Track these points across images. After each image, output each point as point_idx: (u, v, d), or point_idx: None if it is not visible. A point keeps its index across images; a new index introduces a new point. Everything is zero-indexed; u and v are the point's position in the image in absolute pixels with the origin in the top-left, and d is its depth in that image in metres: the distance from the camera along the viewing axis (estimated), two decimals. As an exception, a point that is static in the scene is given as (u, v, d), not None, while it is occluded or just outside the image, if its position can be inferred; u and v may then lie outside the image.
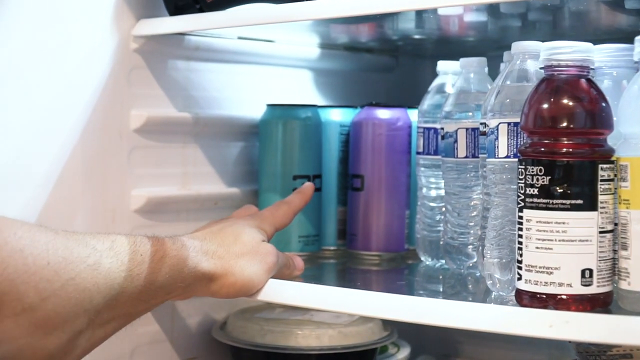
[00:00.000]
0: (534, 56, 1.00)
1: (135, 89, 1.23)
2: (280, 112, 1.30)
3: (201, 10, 1.18)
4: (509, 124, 1.00)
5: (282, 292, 1.05)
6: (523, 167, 0.91)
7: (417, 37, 1.38)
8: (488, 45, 1.42)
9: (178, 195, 1.28)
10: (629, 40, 0.95)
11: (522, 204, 0.91)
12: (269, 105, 1.31)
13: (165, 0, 1.20)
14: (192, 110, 1.30)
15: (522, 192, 0.91)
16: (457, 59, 1.19)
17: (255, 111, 1.33)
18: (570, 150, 0.88)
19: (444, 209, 1.19)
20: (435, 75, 1.26)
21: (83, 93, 1.18)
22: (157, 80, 1.26)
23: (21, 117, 1.11)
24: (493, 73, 1.14)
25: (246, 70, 1.36)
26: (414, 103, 1.31)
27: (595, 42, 1.04)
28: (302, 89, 1.46)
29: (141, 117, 1.23)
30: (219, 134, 1.33)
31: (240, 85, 1.36)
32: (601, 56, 0.98)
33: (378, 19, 1.19)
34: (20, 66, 1.11)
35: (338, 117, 1.34)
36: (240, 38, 1.33)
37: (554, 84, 0.90)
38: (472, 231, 1.14)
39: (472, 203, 1.14)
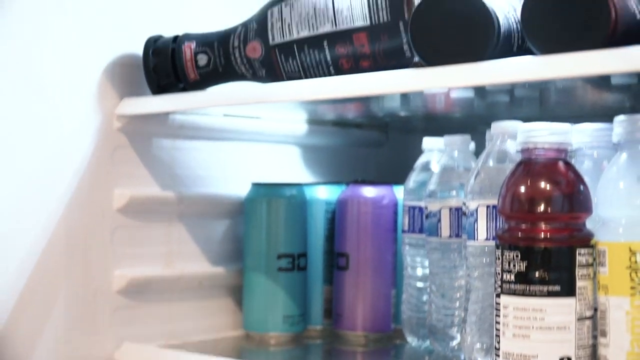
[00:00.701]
0: (514, 136, 0.99)
1: (118, 168, 1.22)
2: (265, 190, 1.29)
3: (184, 89, 1.18)
4: (488, 206, 0.99)
5: None
6: (500, 251, 0.89)
7: (404, 114, 1.37)
8: (477, 119, 1.41)
9: (161, 276, 1.26)
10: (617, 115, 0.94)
11: (499, 289, 0.89)
12: (254, 184, 1.30)
13: (148, 79, 1.20)
14: (176, 188, 1.28)
15: (499, 277, 0.89)
16: (448, 133, 1.18)
17: (241, 189, 1.32)
18: (548, 235, 0.87)
19: (430, 289, 1.17)
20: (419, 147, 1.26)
21: (66, 172, 1.17)
22: (141, 159, 1.25)
23: (4, 194, 1.10)
24: (482, 147, 1.13)
25: (232, 147, 1.35)
26: (404, 178, 1.29)
27: (583, 118, 1.03)
28: (290, 165, 1.45)
29: (124, 196, 1.21)
30: (203, 212, 1.32)
31: (226, 163, 1.35)
32: (581, 137, 0.98)
33: (364, 99, 1.18)
34: (3, 142, 1.11)
35: (324, 194, 1.33)
36: (226, 115, 1.32)
37: (531, 167, 0.90)
38: (456, 312, 1.12)
39: (457, 284, 1.12)
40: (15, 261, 1.12)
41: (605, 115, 1.24)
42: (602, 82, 0.97)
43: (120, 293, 1.22)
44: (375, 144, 1.56)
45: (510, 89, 1.09)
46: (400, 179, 1.32)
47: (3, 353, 1.10)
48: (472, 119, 1.41)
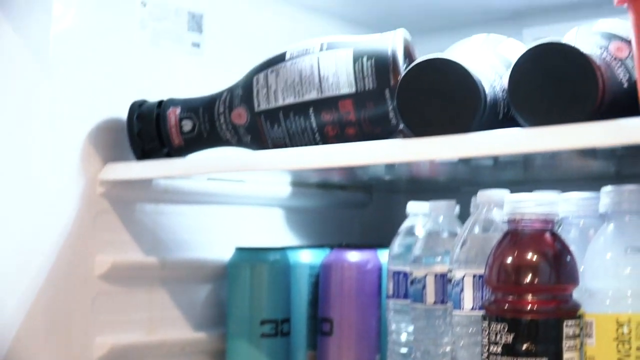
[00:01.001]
0: (499, 205, 0.99)
1: (100, 234, 1.21)
2: (248, 255, 1.29)
3: (169, 155, 1.18)
4: (474, 276, 0.99)
5: None
6: (487, 323, 0.89)
7: (389, 178, 1.38)
8: (460, 182, 1.42)
9: (144, 342, 1.24)
10: (602, 181, 0.94)
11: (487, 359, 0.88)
12: (238, 248, 1.30)
13: (132, 144, 1.19)
14: (159, 254, 1.27)
15: (486, 349, 0.89)
16: (432, 194, 1.18)
17: (224, 253, 1.31)
18: (535, 307, 0.87)
19: (414, 353, 1.16)
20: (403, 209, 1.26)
21: (48, 237, 1.16)
22: (123, 225, 1.24)
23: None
24: (466, 208, 1.14)
25: (216, 211, 1.35)
26: (389, 238, 1.29)
27: (567, 182, 1.03)
28: (274, 228, 1.44)
29: (106, 263, 1.20)
30: (186, 277, 1.31)
31: (210, 227, 1.34)
32: (567, 206, 0.97)
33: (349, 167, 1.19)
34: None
35: (308, 258, 1.32)
36: (209, 179, 1.31)
37: (517, 238, 0.89)
38: (443, 380, 1.11)
39: (441, 350, 1.11)
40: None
41: (590, 178, 1.25)
42: (587, 150, 0.97)
43: (101, 362, 1.20)
44: (360, 205, 1.56)
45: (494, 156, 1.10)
46: (384, 239, 1.32)
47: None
48: (456, 181, 1.41)
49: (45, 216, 1.16)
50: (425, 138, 0.92)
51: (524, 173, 1.26)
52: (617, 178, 1.10)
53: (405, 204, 1.27)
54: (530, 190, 0.96)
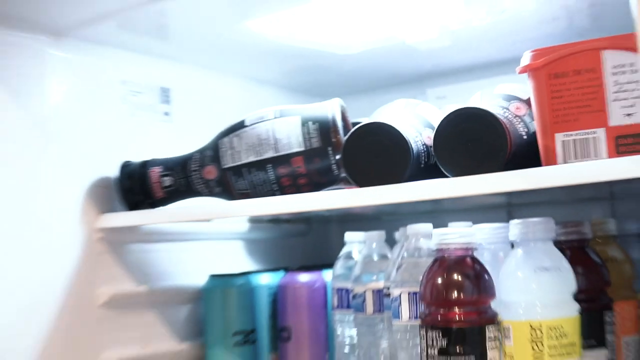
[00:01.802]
0: (426, 236, 0.99)
1: (100, 271, 1.17)
2: (219, 281, 1.25)
3: (152, 205, 1.15)
4: (409, 293, 0.97)
5: None
6: (424, 331, 0.87)
7: (325, 213, 1.37)
8: (382, 213, 1.41)
9: (140, 355, 1.20)
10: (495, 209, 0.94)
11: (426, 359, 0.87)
12: (211, 276, 1.26)
13: (122, 197, 1.16)
14: (147, 283, 1.23)
15: (424, 351, 0.87)
16: (359, 223, 1.17)
17: (199, 279, 1.27)
18: (462, 317, 0.86)
19: (357, 353, 1.14)
20: (341, 236, 1.22)
21: (58, 276, 1.12)
22: (118, 262, 1.20)
23: (7, 295, 1.05)
24: (389, 233, 1.14)
25: (190, 246, 1.31)
26: (325, 260, 1.28)
27: (468, 212, 1.03)
28: (236, 256, 1.41)
29: (106, 294, 1.16)
30: (170, 300, 1.27)
31: (186, 259, 1.30)
32: (481, 235, 0.97)
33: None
34: (5, 254, 1.06)
35: (266, 280, 1.29)
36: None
37: (445, 263, 0.88)
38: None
39: (380, 350, 1.10)
40: (21, 345, 1.07)
41: (485, 207, 1.25)
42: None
43: (106, 374, 1.16)
44: (302, 234, 1.54)
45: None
46: (322, 260, 1.31)
47: None
48: (380, 213, 1.41)
49: (54, 260, 1.12)
50: (369, 188, 0.90)
51: (433, 205, 1.25)
52: (508, 206, 1.10)
53: (338, 231, 1.26)
54: (439, 218, 0.95)
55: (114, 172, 1.18)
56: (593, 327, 0.89)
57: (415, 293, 0.96)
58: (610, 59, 0.80)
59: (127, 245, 1.22)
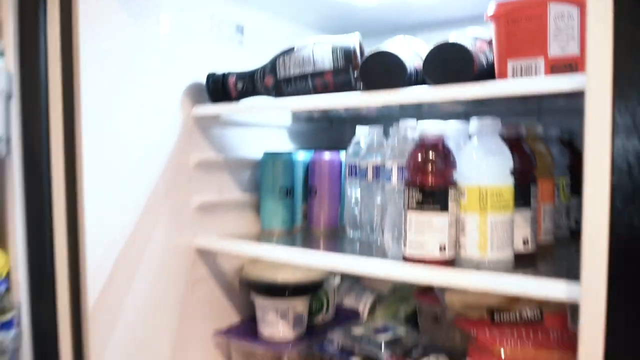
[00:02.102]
0: (411, 128, 0.95)
1: (193, 144, 1.14)
2: (271, 155, 1.22)
3: (230, 99, 1.11)
4: (398, 166, 0.95)
5: (273, 251, 1.01)
6: (407, 189, 0.85)
7: (343, 115, 1.33)
8: (380, 116, 1.37)
9: (216, 199, 1.19)
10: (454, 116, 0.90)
11: (407, 207, 0.85)
12: (265, 152, 1.23)
13: (209, 95, 1.12)
14: (223, 154, 1.21)
15: (406, 202, 0.86)
16: (366, 123, 1.14)
17: (258, 152, 1.25)
18: (433, 182, 0.83)
19: (360, 207, 1.12)
20: (353, 131, 1.18)
21: (165, 145, 1.09)
22: (204, 139, 1.17)
23: (130, 160, 1.03)
24: (385, 130, 1.10)
25: (252, 131, 1.28)
26: (341, 146, 1.24)
27: (442, 116, 1.00)
28: (282, 141, 1.38)
29: (196, 159, 1.14)
30: (238, 166, 1.25)
31: (249, 140, 1.27)
32: (449, 129, 0.93)
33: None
34: (133, 134, 1.03)
35: (302, 157, 1.26)
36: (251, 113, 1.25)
37: (424, 146, 0.85)
38: (375, 219, 1.08)
39: (375, 204, 1.08)
40: (136, 186, 1.04)
41: (450, 114, 1.20)
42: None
43: (195, 210, 1.15)
44: (326, 130, 1.50)
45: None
46: (339, 146, 1.27)
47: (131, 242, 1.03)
48: (379, 115, 1.37)
49: (165, 134, 1.09)
50: (376, 91, 0.86)
51: (416, 111, 1.20)
52: (465, 115, 1.06)
53: (350, 128, 1.22)
54: (420, 120, 0.92)
55: (203, 79, 1.13)
56: (523, 195, 0.87)
57: (402, 167, 0.94)
58: (554, 9, 0.74)
59: (211, 128, 1.18)
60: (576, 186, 1.02)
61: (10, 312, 0.96)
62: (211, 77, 1.12)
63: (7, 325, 0.95)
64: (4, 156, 0.96)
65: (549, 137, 1.03)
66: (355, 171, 1.15)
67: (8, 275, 0.97)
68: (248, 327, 1.22)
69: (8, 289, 0.97)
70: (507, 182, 0.82)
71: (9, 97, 0.96)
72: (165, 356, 1.10)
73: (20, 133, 0.97)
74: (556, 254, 0.92)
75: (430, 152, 0.84)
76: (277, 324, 1.16)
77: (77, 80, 0.94)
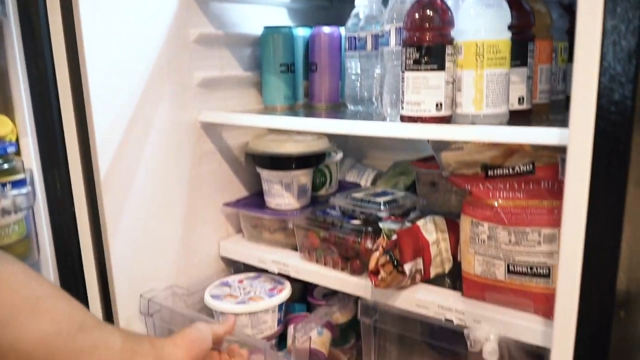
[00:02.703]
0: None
1: (191, 16, 1.12)
2: (271, 30, 1.20)
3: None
4: (396, 27, 0.93)
5: (276, 120, 1.02)
6: (405, 49, 0.85)
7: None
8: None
9: (218, 75, 1.19)
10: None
11: (404, 68, 0.85)
12: (265, 26, 1.21)
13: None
14: (224, 29, 1.19)
15: (404, 62, 0.85)
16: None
17: (258, 29, 1.22)
18: (430, 39, 0.82)
19: (360, 81, 1.12)
20: (352, 7, 1.15)
21: (163, 18, 1.07)
22: (204, 12, 1.15)
23: (129, 30, 1.01)
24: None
25: (252, 7, 1.25)
26: (343, 22, 1.20)
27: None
28: (283, 18, 1.35)
29: (196, 33, 1.12)
30: (238, 42, 1.23)
31: (250, 16, 1.25)
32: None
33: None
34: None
35: (302, 32, 1.24)
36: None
37: (422, 3, 0.83)
38: (374, 90, 1.07)
39: (375, 74, 1.07)
40: (140, 61, 1.04)
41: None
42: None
43: (198, 85, 1.14)
44: (326, 8, 1.46)
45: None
46: (341, 22, 1.23)
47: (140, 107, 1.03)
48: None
49: (160, 4, 1.06)
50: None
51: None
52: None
53: (349, 7, 1.17)
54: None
55: None
56: (520, 51, 0.86)
57: (400, 28, 0.92)
58: None
59: (209, 1, 1.16)
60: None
61: (22, 172, 0.98)
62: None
63: (19, 183, 0.97)
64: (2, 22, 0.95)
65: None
66: (355, 43, 1.13)
67: (17, 141, 0.99)
68: (256, 200, 1.25)
69: (18, 152, 0.99)
70: (504, 36, 0.80)
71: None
72: (178, 225, 1.14)
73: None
74: (551, 114, 0.93)
75: (428, 9, 0.82)
76: (283, 195, 1.19)
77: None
